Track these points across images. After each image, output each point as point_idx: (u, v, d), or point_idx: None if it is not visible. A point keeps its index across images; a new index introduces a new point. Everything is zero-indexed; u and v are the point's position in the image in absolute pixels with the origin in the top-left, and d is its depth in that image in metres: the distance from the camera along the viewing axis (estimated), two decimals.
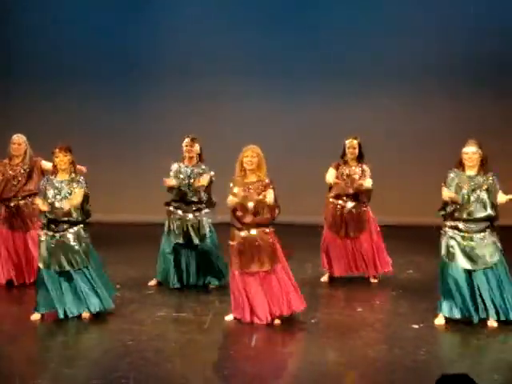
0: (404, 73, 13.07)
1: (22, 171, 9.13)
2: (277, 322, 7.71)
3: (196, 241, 9.03)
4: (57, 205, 7.75)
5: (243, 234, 7.67)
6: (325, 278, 9.48)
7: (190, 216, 9.06)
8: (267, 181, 7.67)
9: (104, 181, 12.13)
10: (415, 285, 9.33)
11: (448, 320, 7.67)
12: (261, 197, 7.55)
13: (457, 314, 7.64)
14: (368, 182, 9.17)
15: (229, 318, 7.82)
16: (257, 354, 7.14)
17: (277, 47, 13.11)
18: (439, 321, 7.71)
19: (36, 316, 7.87)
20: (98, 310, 7.89)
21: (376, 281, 9.41)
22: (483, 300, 7.58)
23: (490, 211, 7.57)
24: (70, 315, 7.83)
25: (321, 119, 13.11)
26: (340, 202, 9.27)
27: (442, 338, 7.48)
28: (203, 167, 9.10)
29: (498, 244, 7.67)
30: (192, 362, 6.83)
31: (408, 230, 12.20)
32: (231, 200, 7.61)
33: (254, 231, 7.67)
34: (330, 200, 9.32)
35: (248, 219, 7.63)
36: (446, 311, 7.66)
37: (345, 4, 13.16)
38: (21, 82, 13.37)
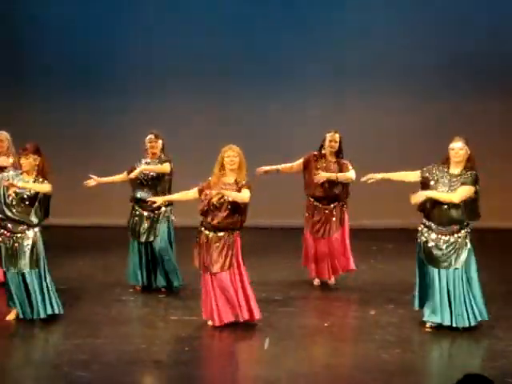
0: (408, 72, 13.02)
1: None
2: None
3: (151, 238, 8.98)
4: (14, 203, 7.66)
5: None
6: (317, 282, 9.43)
7: (146, 213, 8.97)
8: (244, 182, 7.57)
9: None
10: None
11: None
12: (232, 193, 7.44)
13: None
14: (352, 173, 8.99)
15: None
16: (270, 357, 7.14)
17: (277, 47, 13.05)
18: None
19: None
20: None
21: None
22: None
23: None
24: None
25: (320, 120, 13.08)
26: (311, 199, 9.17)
27: (456, 342, 7.45)
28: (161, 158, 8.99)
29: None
30: (205, 366, 6.83)
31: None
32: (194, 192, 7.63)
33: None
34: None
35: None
36: None
37: (345, 3, 13.11)
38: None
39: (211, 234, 7.57)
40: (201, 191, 7.65)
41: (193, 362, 6.94)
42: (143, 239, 8.97)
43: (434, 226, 7.58)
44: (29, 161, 7.72)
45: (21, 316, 7.84)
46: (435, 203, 7.49)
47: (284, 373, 6.76)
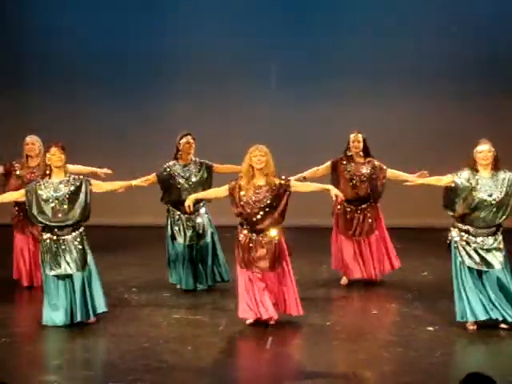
0: (416, 73, 13.05)
1: (39, 175, 9.12)
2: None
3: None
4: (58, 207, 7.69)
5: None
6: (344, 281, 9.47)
7: (187, 215, 8.95)
8: (278, 182, 7.56)
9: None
10: (430, 287, 9.32)
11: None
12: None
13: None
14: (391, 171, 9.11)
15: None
16: (272, 356, 7.16)
17: (285, 47, 13.10)
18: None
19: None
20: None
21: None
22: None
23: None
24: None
25: (331, 120, 13.11)
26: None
27: (458, 341, 7.46)
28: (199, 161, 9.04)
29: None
30: (208, 365, 6.85)
31: (422, 232, 12.15)
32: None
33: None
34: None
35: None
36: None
37: (355, 4, 13.15)
38: (30, 83, 13.45)
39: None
40: (231, 191, 7.65)
41: (196, 361, 6.96)
42: (188, 241, 8.98)
43: (472, 229, 7.58)
44: (63, 156, 7.73)
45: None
46: (481, 206, 7.49)
47: (286, 372, 6.79)
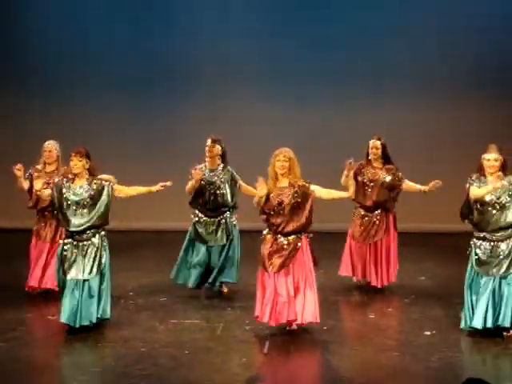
0: (422, 75, 13.09)
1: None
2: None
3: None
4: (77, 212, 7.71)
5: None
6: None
7: (214, 219, 9.00)
8: (301, 184, 7.51)
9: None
10: (427, 292, 9.32)
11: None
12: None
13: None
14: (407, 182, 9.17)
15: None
16: (269, 360, 7.16)
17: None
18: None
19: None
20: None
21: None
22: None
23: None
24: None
25: (334, 123, 13.14)
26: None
27: (455, 345, 7.46)
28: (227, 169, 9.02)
29: None
30: (205, 369, 6.85)
31: (419, 237, 12.18)
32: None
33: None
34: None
35: None
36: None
37: (357, 7, 13.17)
38: (33, 89, 13.48)
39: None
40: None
41: (193, 365, 6.96)
42: (213, 243, 8.96)
43: (488, 235, 7.55)
44: (82, 163, 7.73)
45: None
46: (491, 210, 7.47)
47: (283, 376, 6.78)
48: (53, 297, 8.66)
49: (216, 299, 8.99)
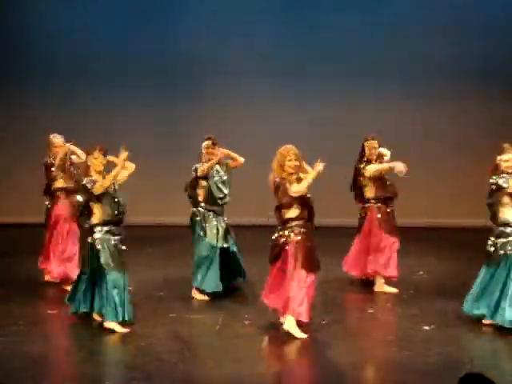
0: (428, 73, 13.11)
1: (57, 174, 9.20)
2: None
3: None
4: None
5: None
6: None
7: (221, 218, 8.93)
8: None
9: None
10: (426, 287, 9.34)
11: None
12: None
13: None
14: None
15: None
16: (268, 355, 7.19)
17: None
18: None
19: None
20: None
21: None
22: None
23: None
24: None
25: (335, 119, 13.15)
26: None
27: (453, 340, 7.48)
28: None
29: None
30: (204, 364, 6.87)
31: (419, 232, 12.19)
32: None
33: None
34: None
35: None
36: None
37: (359, 4, 13.19)
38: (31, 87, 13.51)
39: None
40: None
41: (192, 360, 6.98)
42: (221, 244, 8.85)
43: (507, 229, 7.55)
44: (104, 161, 7.68)
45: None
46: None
47: (282, 370, 6.80)
48: (52, 291, 8.69)
49: (215, 295, 8.99)
